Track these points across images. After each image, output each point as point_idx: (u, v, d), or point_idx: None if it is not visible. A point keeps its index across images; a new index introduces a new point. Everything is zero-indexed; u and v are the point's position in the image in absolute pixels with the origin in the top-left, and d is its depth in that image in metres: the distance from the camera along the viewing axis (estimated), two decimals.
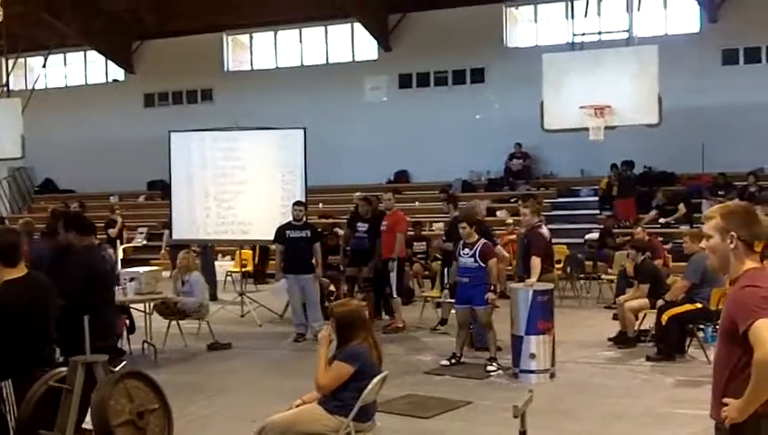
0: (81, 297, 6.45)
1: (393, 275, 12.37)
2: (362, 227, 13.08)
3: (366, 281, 13.00)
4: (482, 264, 9.72)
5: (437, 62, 22.77)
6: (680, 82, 17.89)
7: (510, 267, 11.24)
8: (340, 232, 15.49)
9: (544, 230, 10.33)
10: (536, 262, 9.71)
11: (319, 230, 13.23)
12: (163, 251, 18.21)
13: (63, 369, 5.25)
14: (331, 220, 19.83)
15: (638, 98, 13.10)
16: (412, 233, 15.85)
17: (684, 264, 11.01)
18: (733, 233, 3.74)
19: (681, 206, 18.67)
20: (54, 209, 13.68)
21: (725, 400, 3.68)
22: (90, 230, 7.43)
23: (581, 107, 13.21)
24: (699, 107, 19.33)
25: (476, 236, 9.93)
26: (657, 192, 19.47)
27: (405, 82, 23.40)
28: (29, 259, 8.38)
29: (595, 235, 18.06)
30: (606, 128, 13.27)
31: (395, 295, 12.52)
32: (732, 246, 3.75)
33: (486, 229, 11.33)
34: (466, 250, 9.87)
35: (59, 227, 7.02)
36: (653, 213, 18.95)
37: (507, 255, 12.18)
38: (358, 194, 15.70)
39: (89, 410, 4.99)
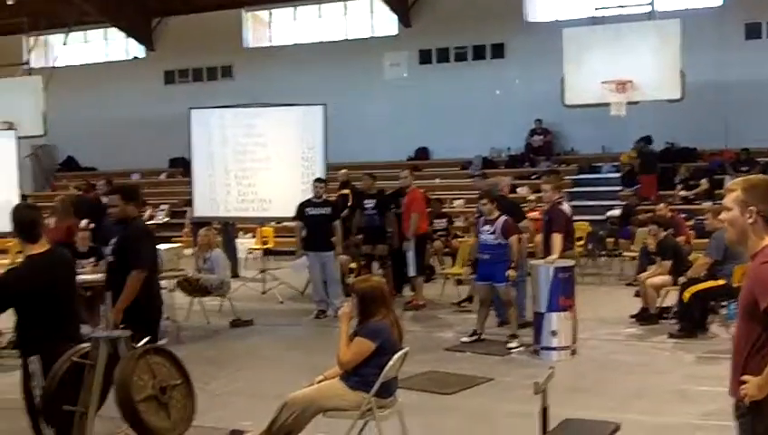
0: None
1: (410, 255, 12.37)
2: (369, 203, 13.08)
3: (381, 258, 13.02)
4: (503, 240, 9.70)
5: (457, 38, 22.58)
6: (703, 56, 17.71)
7: (531, 244, 11.16)
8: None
9: (565, 207, 10.21)
10: (557, 239, 9.60)
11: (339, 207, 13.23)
12: (186, 229, 18.28)
13: (87, 344, 5.30)
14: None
15: (661, 73, 13.02)
16: (430, 210, 15.80)
17: (706, 240, 10.94)
18: (752, 207, 3.65)
19: (704, 181, 18.54)
20: (107, 182, 13.86)
21: (744, 377, 3.62)
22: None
23: (603, 82, 13.15)
24: (722, 82, 19.11)
25: (497, 213, 9.89)
26: (679, 168, 19.32)
27: (425, 57, 23.24)
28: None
29: (617, 212, 17.95)
30: (628, 103, 13.20)
31: (412, 274, 12.52)
32: (751, 220, 3.66)
33: (511, 204, 11.24)
34: (487, 226, 9.85)
35: (115, 201, 7.05)
36: (678, 188, 18.82)
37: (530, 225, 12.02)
38: (343, 171, 15.68)
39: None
